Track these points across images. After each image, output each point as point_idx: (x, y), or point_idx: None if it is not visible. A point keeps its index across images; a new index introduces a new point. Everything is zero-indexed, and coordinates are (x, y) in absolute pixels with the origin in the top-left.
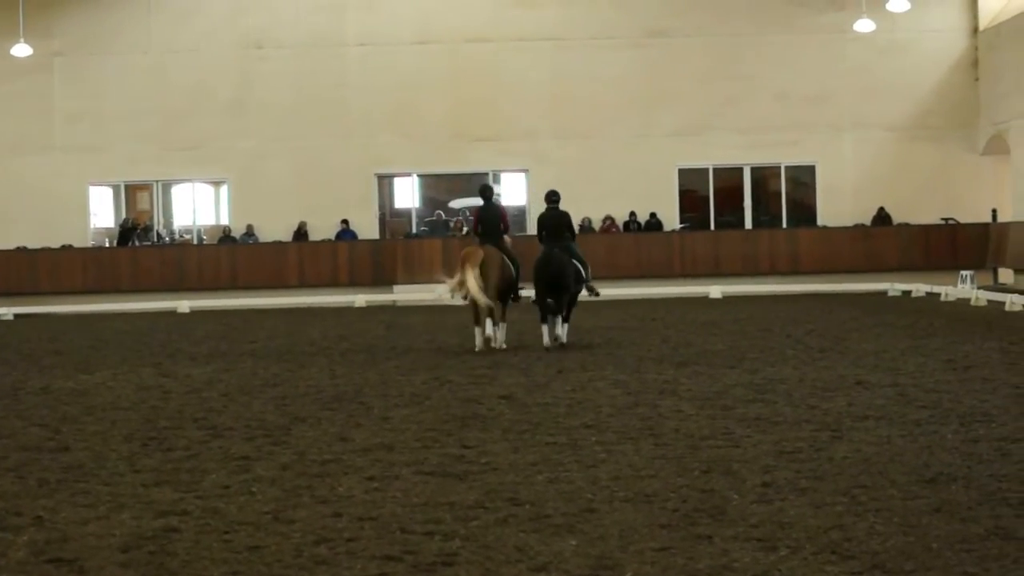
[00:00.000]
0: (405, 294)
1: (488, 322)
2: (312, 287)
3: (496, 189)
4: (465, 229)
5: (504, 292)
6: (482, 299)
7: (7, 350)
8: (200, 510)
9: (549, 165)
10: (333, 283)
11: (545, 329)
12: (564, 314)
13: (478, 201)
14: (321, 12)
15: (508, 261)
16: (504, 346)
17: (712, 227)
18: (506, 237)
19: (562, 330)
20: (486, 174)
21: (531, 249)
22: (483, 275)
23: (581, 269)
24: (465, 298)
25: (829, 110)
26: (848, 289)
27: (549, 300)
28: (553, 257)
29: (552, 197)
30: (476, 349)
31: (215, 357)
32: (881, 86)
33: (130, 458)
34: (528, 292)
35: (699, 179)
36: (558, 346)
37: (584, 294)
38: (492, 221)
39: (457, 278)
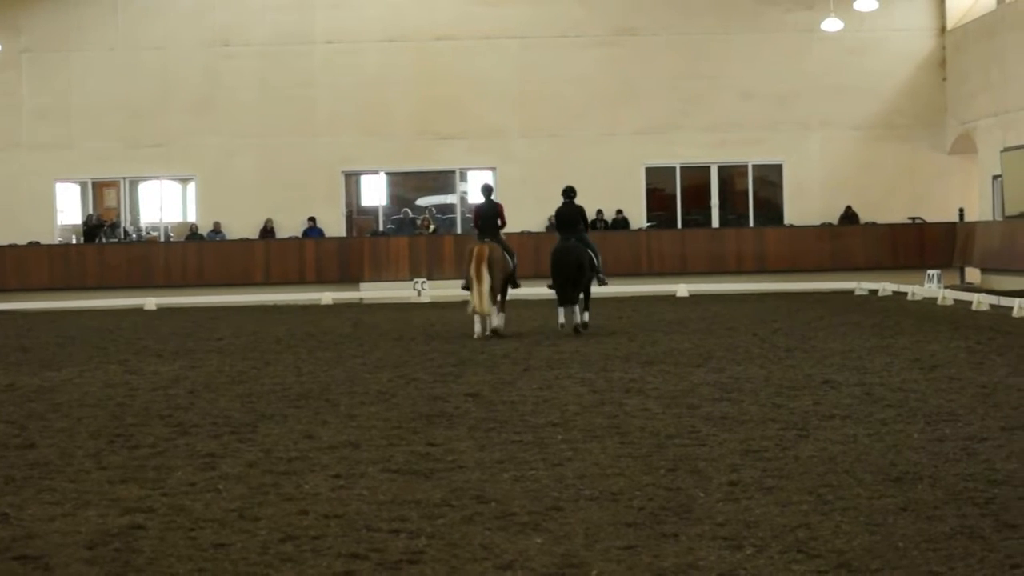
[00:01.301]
0: (372, 292)
1: (491, 312)
2: (279, 284)
3: (463, 187)
4: (432, 227)
5: (503, 282)
6: (487, 311)
7: None
8: (166, 507)
9: (516, 163)
10: (300, 280)
11: (561, 311)
12: (584, 302)
13: (445, 198)
14: (288, 9)
15: (507, 255)
16: (501, 332)
17: (679, 225)
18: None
19: (583, 317)
20: (453, 172)
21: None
22: (490, 274)
23: (594, 258)
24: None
25: (796, 109)
26: (815, 288)
27: (568, 291)
28: (570, 248)
29: (569, 193)
30: (475, 336)
31: (181, 354)
32: (848, 85)
33: (96, 455)
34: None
35: (666, 177)
36: (582, 330)
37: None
38: (490, 217)
39: (475, 284)
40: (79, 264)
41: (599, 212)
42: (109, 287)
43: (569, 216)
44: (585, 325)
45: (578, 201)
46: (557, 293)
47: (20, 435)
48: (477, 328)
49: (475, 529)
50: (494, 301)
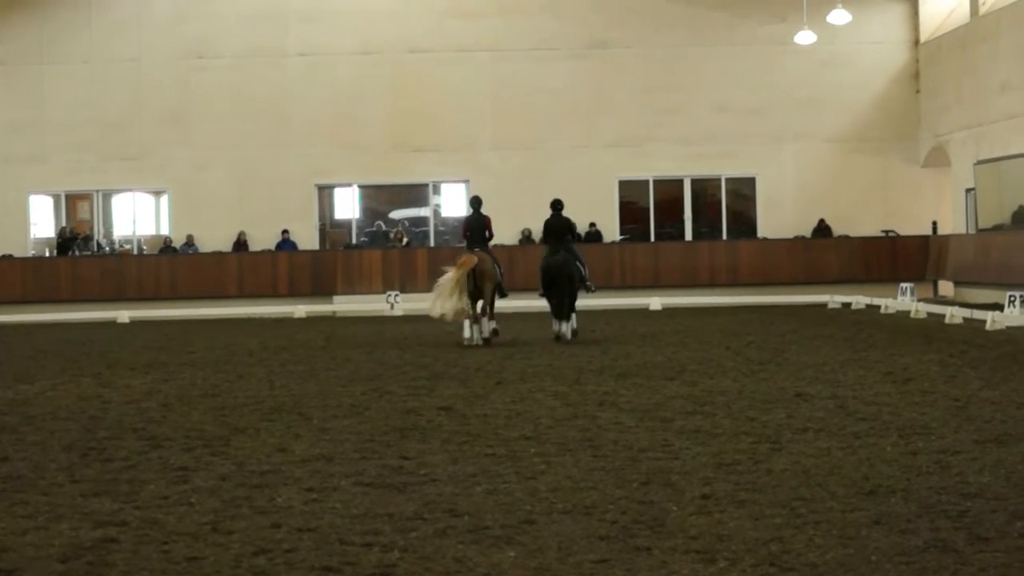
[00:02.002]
0: (345, 304)
1: (481, 320)
2: (252, 297)
3: (437, 199)
4: (405, 240)
5: (492, 292)
6: (464, 308)
7: None
8: (139, 520)
9: (489, 176)
10: (273, 293)
11: (557, 323)
12: (568, 312)
13: (418, 211)
14: (262, 22)
15: (495, 264)
16: (489, 336)
17: (652, 238)
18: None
19: (567, 328)
20: (426, 185)
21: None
22: (479, 286)
23: (581, 269)
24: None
25: (769, 122)
26: (788, 301)
27: (554, 301)
28: (561, 263)
29: (557, 205)
30: (465, 341)
31: (154, 367)
32: (822, 98)
33: (69, 468)
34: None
35: (639, 190)
36: (572, 338)
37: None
38: (479, 229)
39: (455, 281)
40: (52, 277)
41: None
42: (82, 300)
43: (557, 228)
44: (575, 332)
45: (544, 215)
46: (551, 306)
47: None
48: (467, 333)
49: (448, 543)
50: (484, 311)
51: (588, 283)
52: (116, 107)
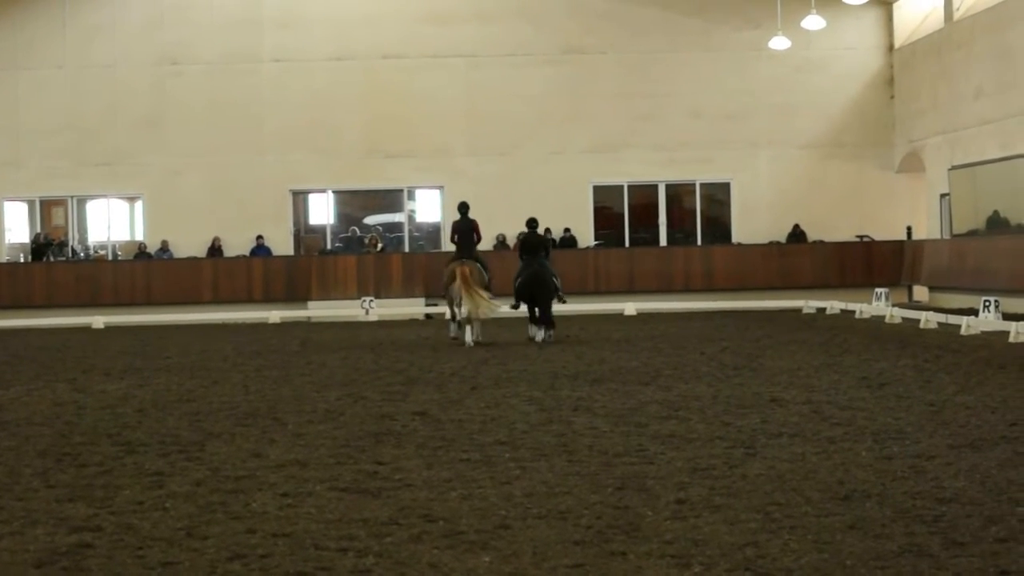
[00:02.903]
0: (320, 310)
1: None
2: (227, 303)
3: (411, 205)
4: (380, 245)
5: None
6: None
7: None
8: (114, 526)
9: (464, 181)
10: (248, 299)
11: (535, 329)
12: (546, 320)
13: (393, 217)
14: (236, 28)
15: (482, 270)
16: (479, 339)
17: (627, 244)
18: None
19: (544, 335)
20: (401, 191)
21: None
22: (472, 291)
23: (556, 281)
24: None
25: (744, 127)
26: (763, 306)
27: (534, 310)
28: (540, 274)
29: (532, 223)
30: (457, 339)
31: (129, 373)
32: (796, 104)
33: (44, 474)
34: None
35: (614, 196)
36: (545, 345)
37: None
38: (468, 233)
39: (465, 296)
40: (27, 282)
41: (547, 230)
42: (57, 306)
43: (534, 243)
44: (546, 341)
45: (519, 221)
46: (530, 314)
47: None
48: (454, 331)
49: (423, 548)
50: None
51: (560, 293)
52: (91, 113)
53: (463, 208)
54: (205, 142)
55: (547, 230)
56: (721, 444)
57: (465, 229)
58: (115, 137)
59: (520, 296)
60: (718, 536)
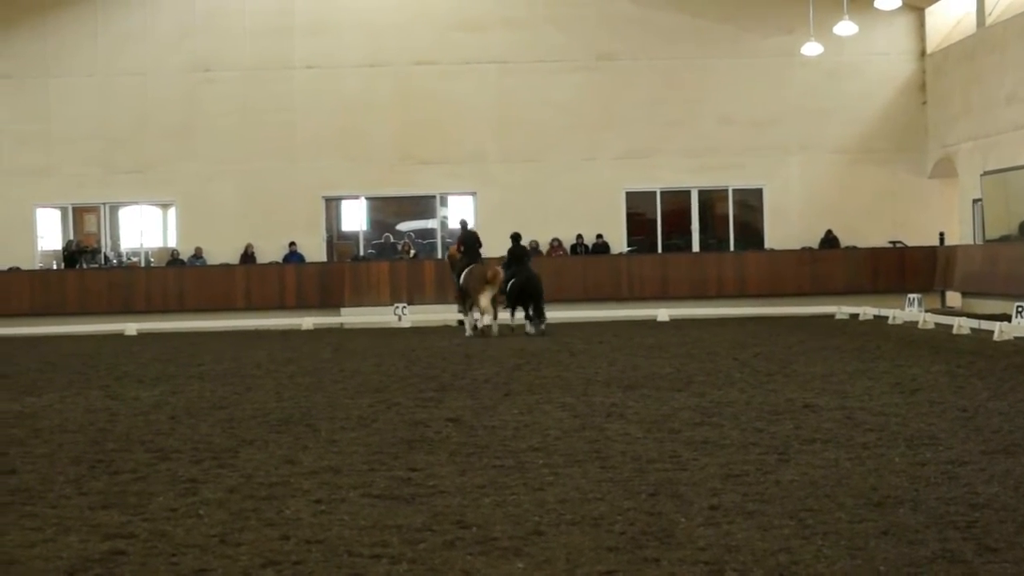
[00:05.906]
0: (352, 317)
1: (485, 317)
2: (259, 310)
3: (444, 211)
4: (413, 252)
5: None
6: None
7: None
8: (147, 533)
9: (496, 188)
10: (280, 306)
11: (527, 324)
12: (539, 313)
13: (426, 223)
14: (268, 35)
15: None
16: (496, 333)
17: (659, 250)
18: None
19: (536, 326)
20: (433, 197)
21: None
22: (491, 287)
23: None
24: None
25: (777, 133)
26: (795, 312)
27: (529, 308)
28: (530, 278)
29: (516, 237)
30: (468, 333)
31: (162, 380)
32: (828, 109)
33: (77, 481)
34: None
35: (646, 202)
36: (539, 335)
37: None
38: (473, 242)
39: (479, 294)
40: (59, 290)
41: (579, 236)
42: (89, 313)
43: (519, 254)
44: (543, 326)
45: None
46: (524, 313)
47: (0, 461)
48: (469, 326)
49: (456, 554)
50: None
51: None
52: (122, 120)
53: (465, 224)
54: (237, 149)
55: (578, 236)
56: (754, 450)
57: (471, 239)
58: (147, 144)
59: (514, 297)
60: (751, 542)
